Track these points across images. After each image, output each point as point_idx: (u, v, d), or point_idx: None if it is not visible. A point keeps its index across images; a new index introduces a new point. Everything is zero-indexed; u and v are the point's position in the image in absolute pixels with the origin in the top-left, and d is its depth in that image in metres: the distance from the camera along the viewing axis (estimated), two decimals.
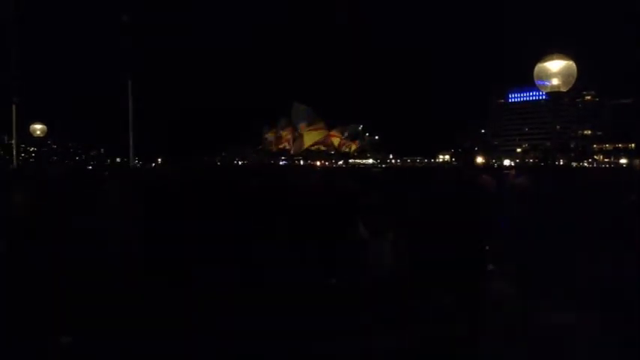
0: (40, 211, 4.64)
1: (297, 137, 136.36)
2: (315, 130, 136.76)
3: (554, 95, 7.42)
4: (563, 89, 7.32)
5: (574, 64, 7.31)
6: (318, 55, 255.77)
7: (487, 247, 5.47)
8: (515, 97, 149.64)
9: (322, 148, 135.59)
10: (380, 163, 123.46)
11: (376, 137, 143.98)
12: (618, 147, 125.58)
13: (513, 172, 9.54)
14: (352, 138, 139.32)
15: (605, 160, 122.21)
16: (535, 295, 5.97)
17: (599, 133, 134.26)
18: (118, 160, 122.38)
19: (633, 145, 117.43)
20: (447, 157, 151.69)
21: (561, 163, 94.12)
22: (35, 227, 4.30)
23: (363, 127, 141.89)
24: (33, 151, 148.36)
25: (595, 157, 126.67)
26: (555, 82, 7.30)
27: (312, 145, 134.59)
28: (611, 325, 5.12)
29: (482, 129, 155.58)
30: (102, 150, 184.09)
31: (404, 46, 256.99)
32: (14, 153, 14.52)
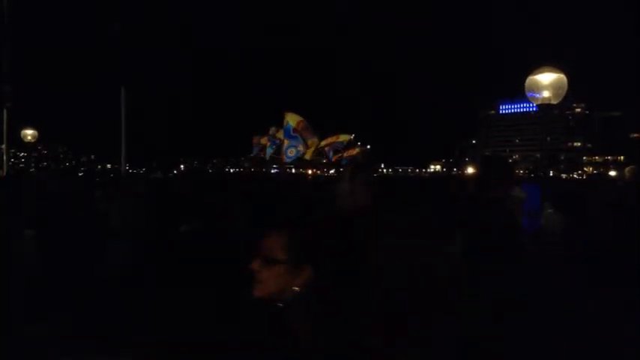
0: None
1: None
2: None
3: (544, 107, 7.52)
4: (554, 101, 7.41)
5: (565, 77, 7.41)
6: (312, 66, 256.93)
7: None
8: (506, 109, 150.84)
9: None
10: (372, 173, 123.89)
11: (368, 147, 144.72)
12: (608, 159, 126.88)
13: None
14: (344, 148, 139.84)
15: (595, 172, 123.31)
16: None
17: (589, 145, 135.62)
18: (109, 166, 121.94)
19: (622, 157, 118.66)
20: (438, 167, 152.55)
21: (551, 174, 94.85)
22: None
23: (354, 137, 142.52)
24: (23, 156, 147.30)
25: (585, 169, 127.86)
26: (546, 94, 7.39)
27: (304, 154, 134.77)
28: None
29: (473, 140, 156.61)
30: (92, 156, 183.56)
31: (397, 56, 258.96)
32: (5, 158, 14.35)
